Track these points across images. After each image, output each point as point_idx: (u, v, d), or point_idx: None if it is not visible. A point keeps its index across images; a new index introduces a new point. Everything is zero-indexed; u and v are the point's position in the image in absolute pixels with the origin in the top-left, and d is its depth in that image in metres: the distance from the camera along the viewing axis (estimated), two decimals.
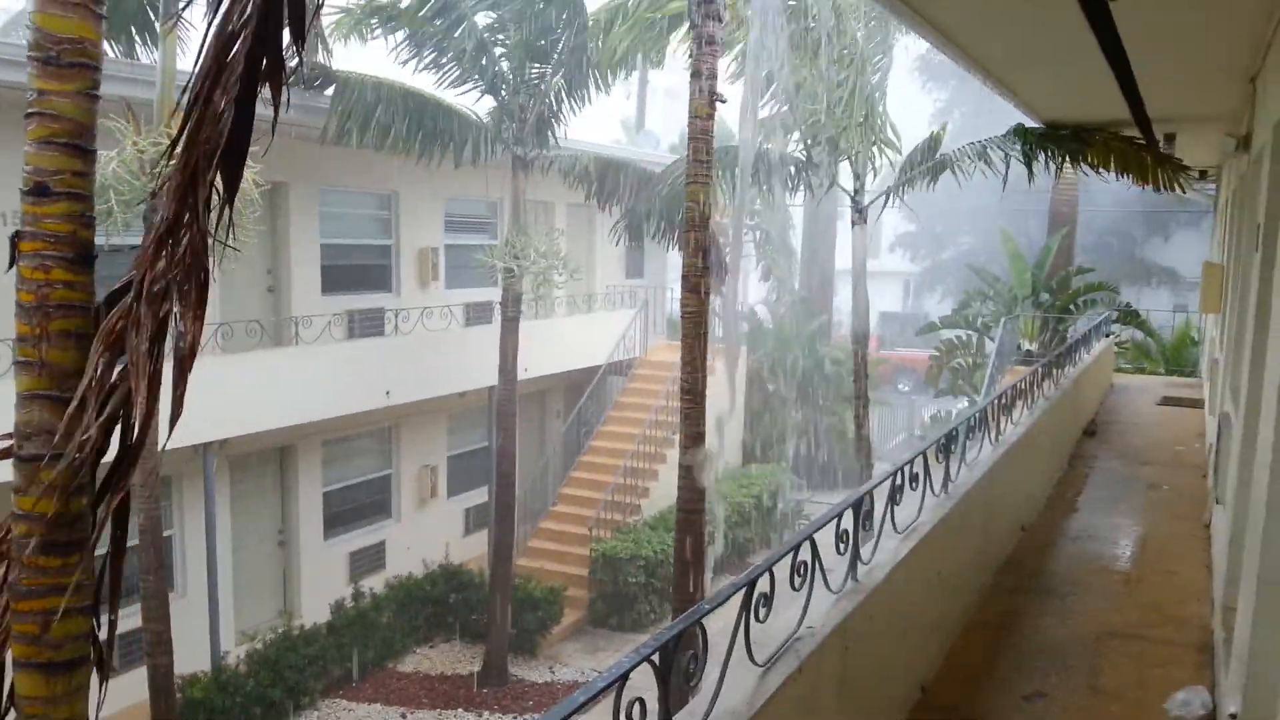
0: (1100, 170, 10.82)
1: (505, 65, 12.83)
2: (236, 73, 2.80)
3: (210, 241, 2.98)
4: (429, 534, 15.26)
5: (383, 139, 12.00)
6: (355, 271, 14.31)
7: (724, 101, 9.07)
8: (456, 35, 12.35)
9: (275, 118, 2.81)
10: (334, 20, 12.16)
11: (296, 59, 2.92)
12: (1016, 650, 5.17)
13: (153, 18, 10.25)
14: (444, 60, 12.54)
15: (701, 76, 8.92)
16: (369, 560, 14.37)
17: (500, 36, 12.71)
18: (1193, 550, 6.84)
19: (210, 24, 2.75)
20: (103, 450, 3.14)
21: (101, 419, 2.98)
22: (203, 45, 2.77)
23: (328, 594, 13.40)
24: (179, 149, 2.83)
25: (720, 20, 8.68)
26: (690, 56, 9.05)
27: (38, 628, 3.17)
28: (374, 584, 13.93)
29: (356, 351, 13.12)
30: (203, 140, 2.76)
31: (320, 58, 11.97)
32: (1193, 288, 24.74)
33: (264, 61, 2.72)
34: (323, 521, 13.80)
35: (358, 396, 12.81)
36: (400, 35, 12.37)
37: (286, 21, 2.75)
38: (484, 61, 12.65)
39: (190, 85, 2.78)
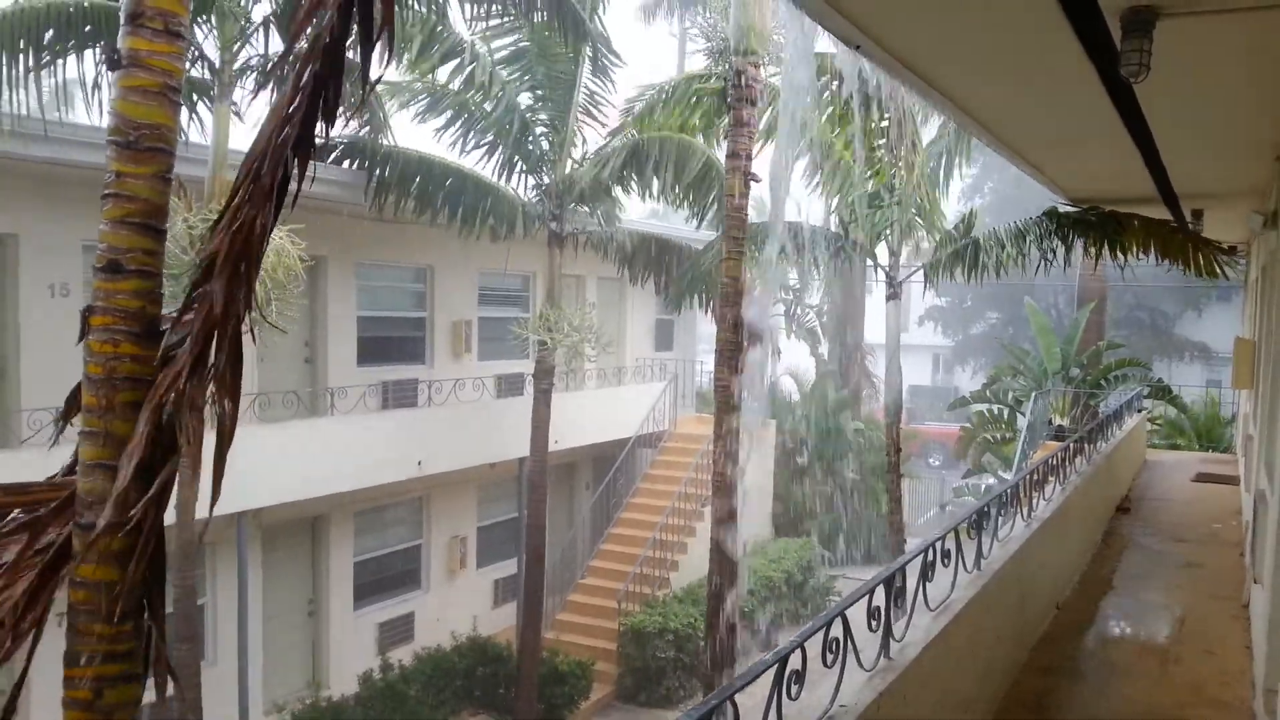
0: (1139, 256, 10.61)
1: (545, 145, 13.14)
2: (284, 150, 2.96)
3: (248, 319, 3.11)
4: (458, 605, 15.21)
5: (423, 211, 12.31)
6: (390, 343, 14.53)
7: (758, 180, 9.29)
8: (501, 115, 12.63)
9: (298, 191, 2.95)
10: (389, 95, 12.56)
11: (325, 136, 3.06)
12: None
13: (207, 98, 10.66)
14: (487, 139, 12.83)
15: (737, 157, 9.13)
16: (398, 631, 14.33)
17: (541, 116, 13.02)
18: (1232, 630, 6.73)
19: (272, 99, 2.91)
20: (157, 521, 3.23)
21: (154, 488, 3.09)
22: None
23: (356, 665, 13.34)
24: (229, 225, 2.95)
25: (754, 104, 8.91)
26: (726, 138, 9.27)
27: (91, 694, 3.23)
28: (403, 655, 13.85)
29: (390, 422, 13.26)
30: (252, 219, 2.90)
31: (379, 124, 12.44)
32: (1225, 362, 24.53)
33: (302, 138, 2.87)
34: (353, 591, 13.82)
35: (390, 467, 12.91)
36: (447, 116, 12.68)
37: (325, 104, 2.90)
38: (526, 141, 12.94)
39: (247, 161, 2.92)
